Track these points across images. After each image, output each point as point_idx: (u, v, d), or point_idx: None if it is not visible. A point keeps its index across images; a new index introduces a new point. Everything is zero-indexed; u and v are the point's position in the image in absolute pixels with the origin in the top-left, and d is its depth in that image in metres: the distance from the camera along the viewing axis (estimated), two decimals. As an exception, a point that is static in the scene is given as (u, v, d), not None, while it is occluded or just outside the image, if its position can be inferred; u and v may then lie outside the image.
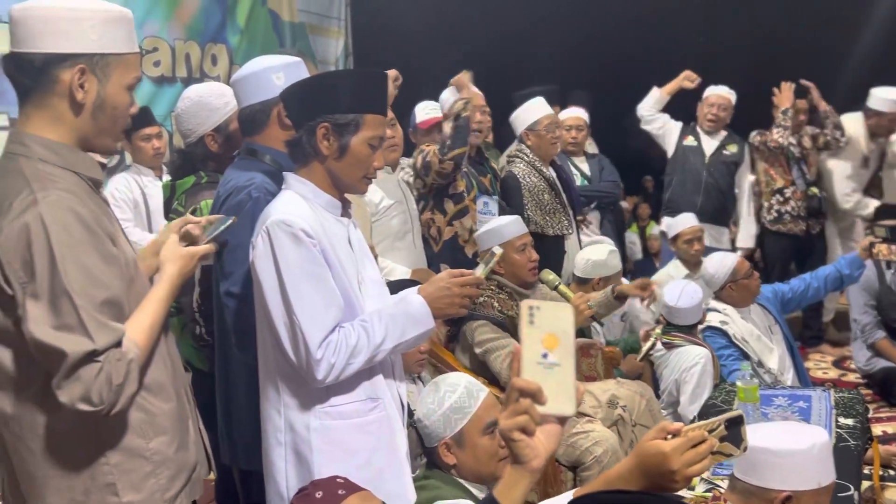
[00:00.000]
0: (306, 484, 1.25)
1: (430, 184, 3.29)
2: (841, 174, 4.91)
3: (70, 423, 1.39)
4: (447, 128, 3.19)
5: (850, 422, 2.76)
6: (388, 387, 1.82)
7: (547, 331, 1.02)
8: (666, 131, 4.76)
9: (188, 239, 1.68)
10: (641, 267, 7.01)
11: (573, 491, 1.55)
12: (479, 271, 1.90)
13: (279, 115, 2.01)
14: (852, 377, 4.53)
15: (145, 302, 1.49)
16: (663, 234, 4.57)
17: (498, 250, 2.00)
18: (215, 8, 5.31)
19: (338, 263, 1.70)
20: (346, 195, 1.84)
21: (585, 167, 4.36)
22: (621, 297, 3.17)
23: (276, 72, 2.00)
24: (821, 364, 4.84)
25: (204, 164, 2.46)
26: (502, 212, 3.47)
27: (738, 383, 2.79)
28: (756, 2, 5.72)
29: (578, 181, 4.23)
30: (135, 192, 3.76)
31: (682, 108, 4.86)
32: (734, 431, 1.32)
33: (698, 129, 4.72)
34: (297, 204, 1.70)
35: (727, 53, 5.44)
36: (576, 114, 4.43)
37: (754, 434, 1.60)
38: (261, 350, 1.78)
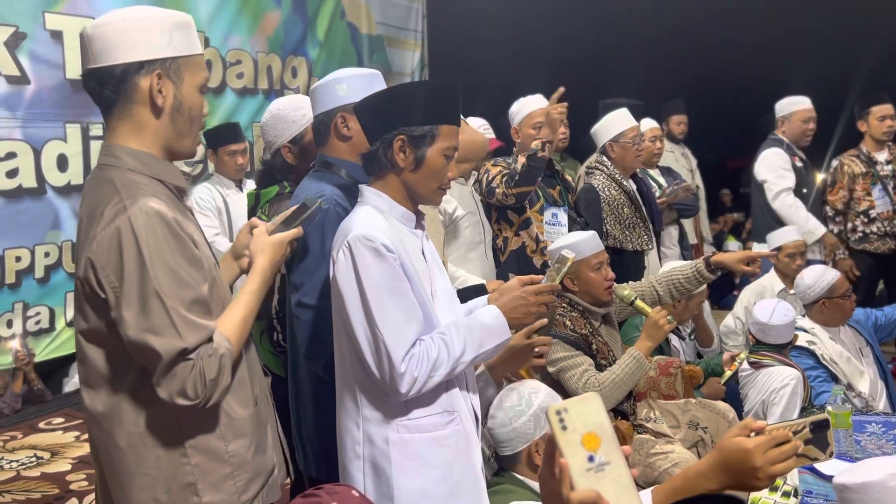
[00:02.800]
0: (319, 488, 1.22)
1: (492, 202, 3.28)
2: None
3: (155, 422, 1.43)
4: (521, 160, 3.14)
5: (953, 453, 2.58)
6: (464, 399, 1.80)
7: (584, 431, 0.95)
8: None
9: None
10: (717, 284, 6.80)
11: (651, 489, 1.50)
12: (554, 279, 1.86)
13: (336, 125, 2.03)
14: (953, 404, 4.25)
15: (239, 294, 1.53)
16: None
17: (569, 254, 1.96)
18: (296, 21, 5.44)
19: (415, 276, 1.70)
20: (420, 206, 1.83)
21: (662, 180, 4.25)
22: (715, 270, 2.89)
23: (341, 83, 2.01)
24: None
25: (284, 174, 2.51)
26: (574, 224, 3.40)
27: (829, 408, 2.65)
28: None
29: (656, 193, 4.10)
30: (217, 200, 3.91)
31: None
32: (820, 435, 1.29)
33: (792, 146, 4.49)
34: (375, 218, 1.70)
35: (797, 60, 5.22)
36: (654, 124, 4.32)
37: (852, 473, 1.50)
38: (339, 363, 1.77)
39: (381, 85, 2.03)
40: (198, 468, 1.45)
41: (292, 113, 2.46)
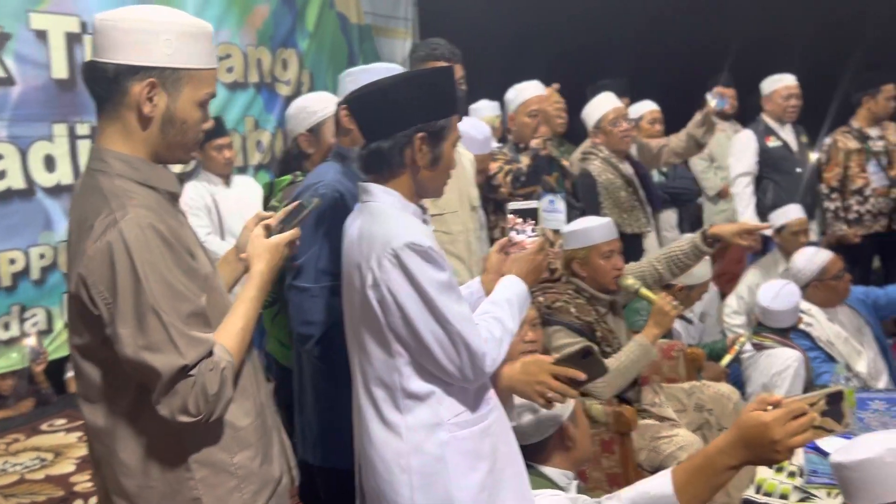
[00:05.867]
0: None
1: (493, 197, 3.27)
2: None
3: (158, 436, 1.40)
4: (525, 160, 3.12)
5: (957, 429, 2.59)
6: (490, 384, 1.80)
7: None
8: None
9: (268, 232, 1.67)
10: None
11: (670, 469, 1.51)
12: (536, 234, 1.89)
13: (341, 116, 2.06)
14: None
15: (236, 304, 1.49)
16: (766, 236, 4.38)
17: (532, 204, 1.94)
18: (285, 13, 5.39)
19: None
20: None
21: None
22: (713, 243, 2.87)
23: (351, 76, 2.03)
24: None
25: (299, 163, 2.64)
26: (573, 209, 3.39)
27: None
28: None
29: (655, 178, 4.10)
30: (206, 198, 3.86)
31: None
32: (835, 408, 1.34)
33: (772, 125, 4.49)
34: (409, 221, 1.67)
35: (788, 39, 5.19)
36: (652, 106, 4.30)
37: (847, 451, 1.50)
38: (365, 379, 1.72)
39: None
40: (203, 482, 1.42)
41: (314, 104, 2.64)
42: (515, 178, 3.14)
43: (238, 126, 5.19)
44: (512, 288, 1.79)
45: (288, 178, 2.61)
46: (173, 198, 1.47)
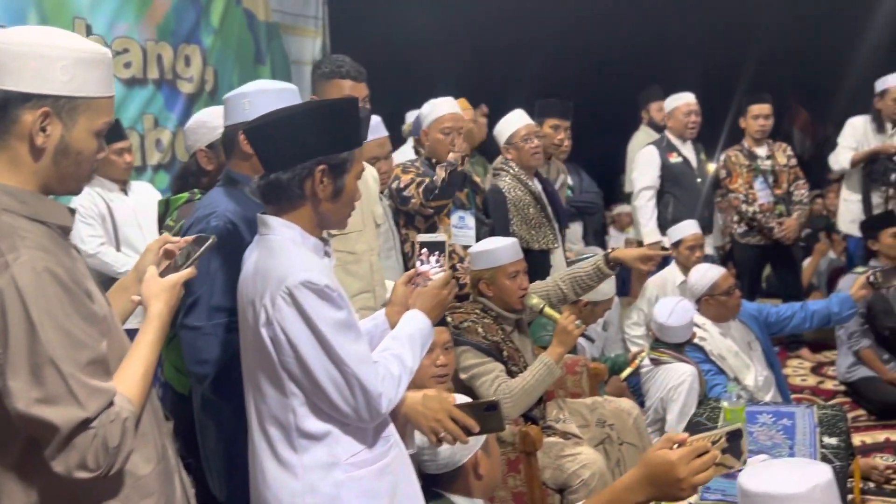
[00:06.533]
0: None
1: (404, 209, 3.25)
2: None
3: (49, 492, 1.31)
4: (440, 173, 3.12)
5: (833, 441, 2.77)
6: (390, 422, 1.79)
7: None
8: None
9: (169, 257, 1.62)
10: (619, 274, 7.03)
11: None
12: (442, 267, 1.90)
13: (239, 141, 2.00)
14: (830, 384, 4.58)
15: (134, 348, 1.42)
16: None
17: (440, 237, 1.96)
18: (188, 8, 5.17)
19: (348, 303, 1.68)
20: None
21: (568, 178, 4.33)
22: (614, 266, 2.98)
23: (245, 97, 1.98)
24: (799, 371, 4.89)
25: (198, 179, 2.56)
26: (483, 226, 3.41)
27: (725, 404, 2.80)
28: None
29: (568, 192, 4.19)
30: (100, 206, 3.65)
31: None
32: (734, 444, 1.40)
33: (675, 141, 4.68)
34: (305, 256, 1.64)
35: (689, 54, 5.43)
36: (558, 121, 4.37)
37: (755, 477, 1.58)
38: (260, 418, 1.69)
39: (294, 100, 1.96)
40: None
41: (215, 119, 2.49)
42: (428, 190, 3.12)
43: (136, 124, 4.94)
44: (415, 323, 1.79)
45: (185, 195, 2.53)
46: (65, 231, 1.38)
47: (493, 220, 3.46)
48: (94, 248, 3.50)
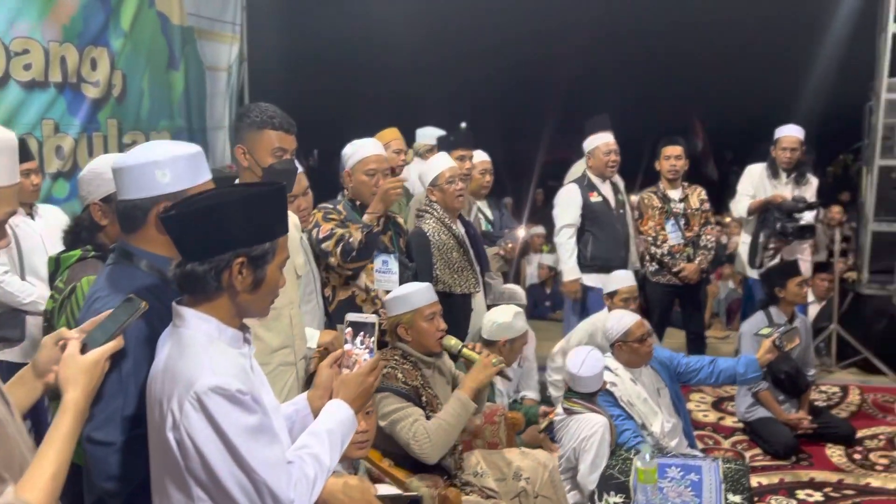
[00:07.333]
0: None
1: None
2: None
3: None
4: (357, 235, 3.05)
5: (737, 499, 2.87)
6: None
7: None
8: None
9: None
10: (533, 292, 7.15)
11: None
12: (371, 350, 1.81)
13: (157, 216, 1.75)
14: (730, 421, 4.77)
15: (45, 444, 1.30)
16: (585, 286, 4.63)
17: (371, 318, 1.85)
18: (97, 8, 4.87)
19: (262, 402, 1.58)
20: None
21: (489, 213, 4.34)
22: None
23: (161, 168, 1.74)
24: (701, 406, 5.07)
25: (91, 235, 2.36)
26: (406, 269, 3.36)
27: (637, 464, 2.84)
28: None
29: (483, 226, 4.19)
30: None
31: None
32: None
33: (595, 180, 4.76)
34: (214, 357, 1.53)
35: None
36: (484, 157, 4.39)
37: None
38: None
39: (204, 166, 1.82)
40: None
41: (110, 171, 2.14)
42: (345, 252, 3.05)
43: (34, 130, 4.62)
44: (336, 416, 1.73)
45: (77, 252, 2.32)
46: None
47: (416, 263, 3.41)
48: None
